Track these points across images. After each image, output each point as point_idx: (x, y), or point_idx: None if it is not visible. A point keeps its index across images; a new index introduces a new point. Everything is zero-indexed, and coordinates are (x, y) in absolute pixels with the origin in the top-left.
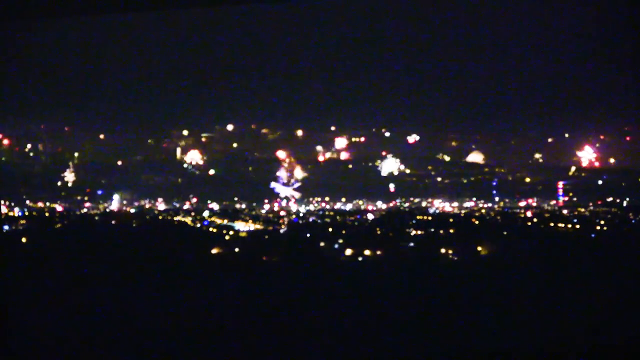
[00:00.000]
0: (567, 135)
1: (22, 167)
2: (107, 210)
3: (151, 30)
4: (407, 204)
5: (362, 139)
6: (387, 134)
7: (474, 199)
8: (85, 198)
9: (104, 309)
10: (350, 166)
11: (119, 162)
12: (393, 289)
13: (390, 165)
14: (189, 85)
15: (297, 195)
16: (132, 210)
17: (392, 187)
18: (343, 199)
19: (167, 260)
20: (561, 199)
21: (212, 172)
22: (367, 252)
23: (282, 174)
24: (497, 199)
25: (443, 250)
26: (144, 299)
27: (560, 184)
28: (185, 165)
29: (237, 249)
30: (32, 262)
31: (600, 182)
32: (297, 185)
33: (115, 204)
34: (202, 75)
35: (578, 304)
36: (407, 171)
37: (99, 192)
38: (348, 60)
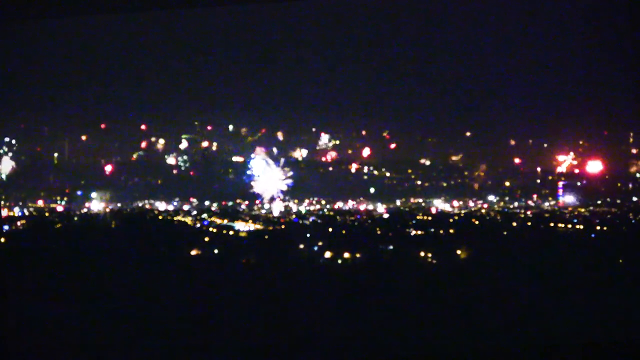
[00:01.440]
0: (547, 140)
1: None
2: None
3: (133, 31)
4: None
5: (342, 141)
6: (368, 136)
7: (455, 201)
8: (65, 199)
9: (104, 309)
10: (330, 168)
11: (101, 162)
12: (390, 290)
13: (372, 167)
14: (170, 85)
15: (281, 196)
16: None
17: (372, 190)
18: (324, 201)
19: (167, 259)
20: (561, 199)
21: (191, 172)
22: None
23: (263, 174)
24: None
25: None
26: (144, 299)
27: (560, 184)
28: (166, 165)
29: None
30: (32, 262)
31: (579, 183)
32: (279, 186)
33: (95, 204)
34: (182, 76)
35: (577, 303)
36: (387, 174)
37: (78, 192)
38: (331, 62)
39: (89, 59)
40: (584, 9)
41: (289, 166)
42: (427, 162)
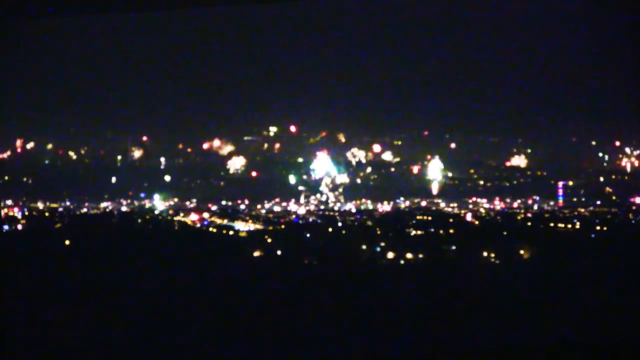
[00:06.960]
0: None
1: (65, 170)
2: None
3: (194, 33)
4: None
5: (402, 141)
6: (429, 137)
7: (517, 200)
8: (128, 201)
9: (104, 308)
10: (392, 169)
11: (161, 165)
12: (391, 290)
13: (433, 167)
14: (230, 88)
15: (332, 196)
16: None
17: (435, 189)
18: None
19: (167, 259)
20: (561, 199)
21: (253, 174)
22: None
23: (324, 175)
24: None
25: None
26: (144, 298)
27: (560, 184)
28: (227, 168)
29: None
30: (32, 262)
31: None
32: (335, 186)
33: (158, 205)
34: (245, 79)
35: (578, 303)
36: (450, 174)
37: (142, 194)
38: (388, 63)
39: (152, 61)
40: None
41: (350, 167)
42: (492, 163)
